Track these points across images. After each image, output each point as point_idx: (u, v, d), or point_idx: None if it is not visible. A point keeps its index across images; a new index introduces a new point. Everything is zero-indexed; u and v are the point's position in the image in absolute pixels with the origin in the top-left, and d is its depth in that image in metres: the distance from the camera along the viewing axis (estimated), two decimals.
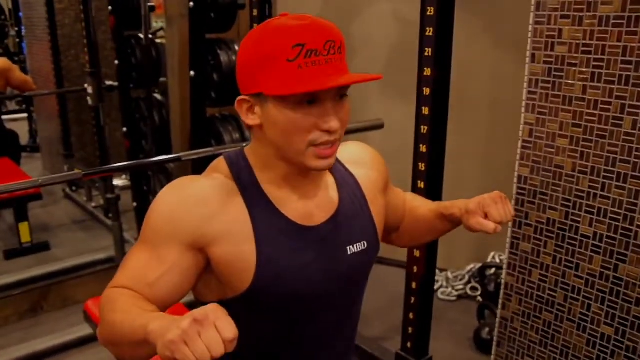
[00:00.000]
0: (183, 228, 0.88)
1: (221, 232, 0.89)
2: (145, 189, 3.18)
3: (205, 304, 0.97)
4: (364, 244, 0.99)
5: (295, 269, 0.92)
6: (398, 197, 1.17)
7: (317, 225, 0.95)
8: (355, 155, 1.05)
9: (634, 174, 1.36)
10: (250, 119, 0.90)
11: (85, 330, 2.23)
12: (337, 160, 1.02)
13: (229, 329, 0.66)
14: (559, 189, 1.51)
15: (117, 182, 3.83)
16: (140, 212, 3.11)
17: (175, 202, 0.89)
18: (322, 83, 0.82)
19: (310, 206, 0.95)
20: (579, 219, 1.48)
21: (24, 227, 3.22)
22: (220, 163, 0.97)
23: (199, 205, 0.89)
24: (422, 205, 1.18)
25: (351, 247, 0.98)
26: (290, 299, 0.94)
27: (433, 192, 1.72)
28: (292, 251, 0.92)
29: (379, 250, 1.04)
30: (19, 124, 5.17)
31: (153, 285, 0.87)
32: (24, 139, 5.28)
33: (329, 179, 1.00)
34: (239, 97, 0.91)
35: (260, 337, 0.97)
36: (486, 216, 1.00)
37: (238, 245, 0.89)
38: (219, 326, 0.66)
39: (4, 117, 4.34)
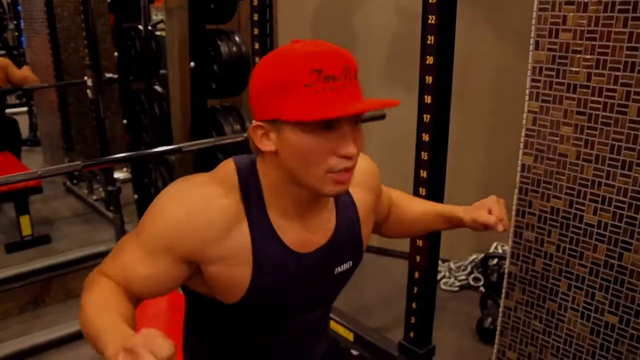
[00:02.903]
0: (184, 244, 0.88)
1: (221, 255, 0.90)
2: (146, 181, 3.17)
3: (192, 292, 1.00)
4: (349, 263, 1.04)
5: (284, 293, 0.96)
6: (386, 196, 1.21)
7: (311, 251, 0.98)
8: (359, 177, 1.06)
9: (639, 161, 1.34)
10: (265, 146, 0.89)
11: None
12: None
13: (164, 348, 0.66)
14: (563, 177, 1.50)
15: (117, 174, 3.82)
16: (142, 204, 3.10)
17: (182, 216, 0.88)
18: (342, 109, 0.82)
19: (308, 233, 0.97)
20: (583, 208, 1.47)
21: (24, 220, 3.21)
22: (231, 175, 0.95)
23: (205, 227, 0.88)
24: (416, 206, 1.24)
25: (338, 267, 1.02)
26: (273, 313, 0.99)
27: (436, 181, 1.71)
28: (285, 277, 0.95)
29: (361, 260, 1.09)
30: (19, 118, 5.14)
31: (141, 280, 0.90)
32: (25, 133, 5.26)
33: (330, 204, 1.02)
34: (254, 124, 0.90)
35: (239, 330, 1.02)
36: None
37: (234, 268, 0.91)
38: (153, 349, 0.65)
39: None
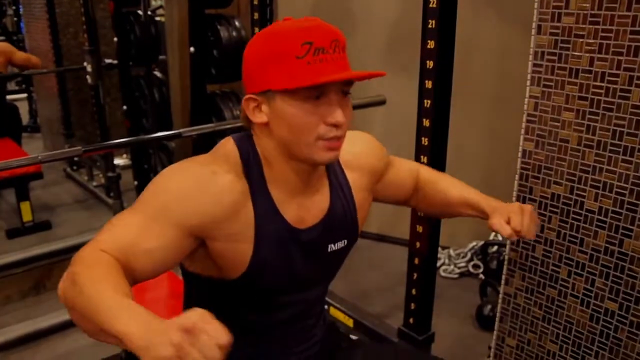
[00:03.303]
0: (192, 219, 0.89)
1: (226, 232, 0.91)
2: (146, 167, 3.17)
3: (191, 274, 1.00)
4: (344, 242, 1.07)
5: (283, 268, 0.98)
6: (404, 172, 1.23)
7: (306, 228, 1.00)
8: (354, 158, 1.09)
9: None
10: (257, 117, 0.92)
11: None
12: (337, 160, 1.06)
13: (222, 333, 0.63)
14: (564, 163, 1.49)
15: (117, 161, 3.82)
16: (142, 191, 3.10)
17: (192, 190, 0.89)
18: (331, 77, 0.85)
19: (303, 209, 1.00)
20: (584, 194, 1.46)
21: (25, 207, 3.23)
22: (232, 152, 0.96)
23: (214, 204, 0.90)
24: (447, 188, 1.27)
25: (332, 245, 1.05)
26: (273, 289, 1.01)
27: (436, 167, 1.70)
28: (283, 253, 0.98)
29: (357, 240, 1.11)
30: (19, 104, 5.14)
31: (143, 254, 0.86)
32: (25, 119, 5.25)
33: (324, 183, 1.04)
34: (246, 96, 0.93)
35: (239, 309, 1.04)
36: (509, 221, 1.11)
37: (237, 244, 0.93)
38: (211, 332, 0.62)
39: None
